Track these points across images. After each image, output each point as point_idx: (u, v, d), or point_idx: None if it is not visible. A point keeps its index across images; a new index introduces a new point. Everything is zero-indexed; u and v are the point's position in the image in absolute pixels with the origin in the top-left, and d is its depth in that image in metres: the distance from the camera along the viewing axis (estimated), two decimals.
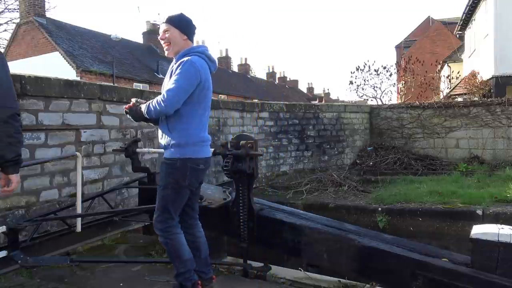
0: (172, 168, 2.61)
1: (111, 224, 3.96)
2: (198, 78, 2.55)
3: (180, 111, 2.57)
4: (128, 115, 2.81)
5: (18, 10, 20.30)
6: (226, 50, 34.59)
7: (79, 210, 3.66)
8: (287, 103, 9.14)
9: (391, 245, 3.10)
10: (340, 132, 9.83)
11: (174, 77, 2.55)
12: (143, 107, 2.67)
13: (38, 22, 19.29)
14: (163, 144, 2.69)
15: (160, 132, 2.73)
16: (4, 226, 3.13)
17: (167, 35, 2.69)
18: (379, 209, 6.18)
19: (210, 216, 3.65)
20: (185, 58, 2.58)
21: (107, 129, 4.46)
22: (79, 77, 16.97)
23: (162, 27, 2.72)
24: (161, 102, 2.53)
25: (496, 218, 5.38)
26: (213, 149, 3.61)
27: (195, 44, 2.81)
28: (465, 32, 19.76)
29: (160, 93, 2.67)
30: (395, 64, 17.11)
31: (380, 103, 13.94)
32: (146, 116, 2.65)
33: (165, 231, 2.65)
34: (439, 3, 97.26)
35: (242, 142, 3.32)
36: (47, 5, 20.65)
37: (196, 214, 2.93)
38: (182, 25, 2.70)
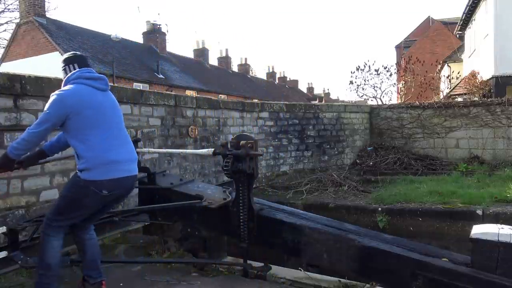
0: (76, 184, 2.63)
1: (111, 224, 3.96)
2: (63, 107, 2.55)
3: (75, 140, 2.61)
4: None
5: (18, 10, 20.29)
6: (226, 50, 34.57)
7: None
8: (287, 103, 9.15)
9: (391, 245, 3.10)
10: (340, 132, 9.83)
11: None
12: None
13: (38, 22, 19.28)
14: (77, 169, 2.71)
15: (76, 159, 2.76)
16: (5, 227, 3.13)
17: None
18: (379, 209, 6.18)
19: (210, 216, 3.66)
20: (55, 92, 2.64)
21: None
22: None
23: None
24: (24, 135, 2.58)
25: (496, 218, 5.39)
26: (212, 149, 3.62)
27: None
28: (465, 32, 19.75)
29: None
30: (395, 64, 17.12)
31: (380, 103, 13.94)
32: (11, 155, 2.61)
33: (45, 230, 2.68)
34: (439, 3, 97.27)
35: (242, 142, 3.32)
36: (47, 6, 20.66)
37: (90, 225, 2.90)
38: (64, 69, 2.78)
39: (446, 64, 23.15)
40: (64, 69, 2.77)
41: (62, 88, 2.66)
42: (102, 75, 2.83)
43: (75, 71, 2.74)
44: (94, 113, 2.62)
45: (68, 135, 2.65)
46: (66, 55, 2.88)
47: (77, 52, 2.94)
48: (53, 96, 2.59)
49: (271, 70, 42.62)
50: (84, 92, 2.64)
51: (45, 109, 2.59)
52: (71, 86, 2.65)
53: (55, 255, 2.67)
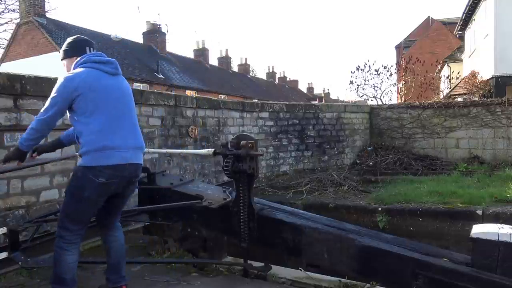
0: (75, 175, 2.59)
1: None
2: (69, 89, 2.50)
3: (78, 123, 2.56)
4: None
5: (18, 10, 20.28)
6: (226, 50, 34.56)
7: None
8: (287, 103, 9.16)
9: (391, 244, 3.10)
10: (340, 132, 9.83)
11: None
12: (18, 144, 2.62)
13: (38, 22, 19.27)
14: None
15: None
16: (5, 228, 3.13)
17: (66, 69, 2.78)
18: (379, 209, 6.18)
19: (210, 216, 3.65)
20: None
21: None
22: None
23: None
24: (33, 125, 2.55)
25: (496, 218, 5.38)
26: (213, 149, 3.62)
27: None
28: (465, 32, 19.76)
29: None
30: (395, 64, 17.10)
31: (380, 103, 13.93)
32: (22, 147, 2.61)
33: (57, 242, 2.59)
34: (439, 3, 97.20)
35: (242, 142, 3.32)
36: (47, 6, 20.62)
37: (115, 219, 2.85)
38: (66, 52, 2.81)
39: (446, 64, 23.15)
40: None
41: (71, 71, 2.65)
42: (112, 59, 2.77)
43: (86, 54, 2.72)
44: (98, 96, 2.54)
45: (73, 120, 2.59)
46: (76, 38, 2.88)
47: (83, 36, 2.94)
48: (59, 80, 2.55)
49: (271, 70, 42.62)
50: (91, 74, 2.58)
51: (52, 93, 2.53)
52: (79, 69, 2.60)
53: (70, 269, 2.54)
